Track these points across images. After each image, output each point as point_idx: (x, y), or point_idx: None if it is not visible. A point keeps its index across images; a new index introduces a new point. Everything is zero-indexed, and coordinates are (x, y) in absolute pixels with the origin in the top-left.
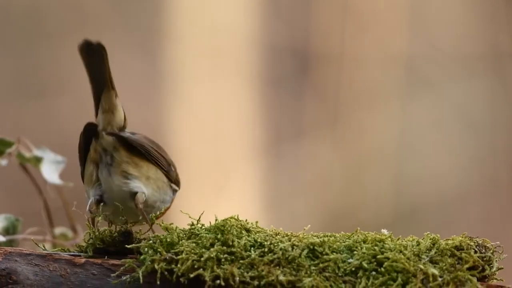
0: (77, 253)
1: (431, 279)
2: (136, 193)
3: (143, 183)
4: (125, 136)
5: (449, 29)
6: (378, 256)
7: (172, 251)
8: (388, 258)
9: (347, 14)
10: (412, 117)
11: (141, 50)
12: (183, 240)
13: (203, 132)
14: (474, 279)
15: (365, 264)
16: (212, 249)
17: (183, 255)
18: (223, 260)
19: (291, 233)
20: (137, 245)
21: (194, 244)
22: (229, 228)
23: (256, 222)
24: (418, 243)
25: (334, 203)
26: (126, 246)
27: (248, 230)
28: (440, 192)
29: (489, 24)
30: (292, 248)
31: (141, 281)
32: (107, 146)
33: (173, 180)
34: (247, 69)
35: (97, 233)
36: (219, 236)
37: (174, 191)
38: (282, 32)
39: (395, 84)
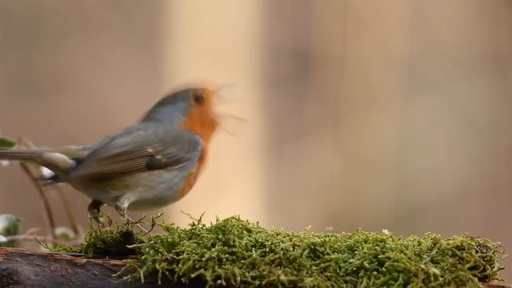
0: (78, 253)
1: (432, 278)
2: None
3: (124, 191)
4: (73, 176)
5: (449, 30)
6: (379, 256)
7: (173, 251)
8: (389, 258)
9: (348, 15)
10: (413, 118)
11: (141, 50)
12: (184, 240)
13: None
14: (475, 279)
15: (366, 264)
16: (213, 249)
17: (184, 255)
18: (224, 260)
19: (292, 233)
20: (138, 245)
21: (195, 244)
22: (230, 228)
23: (257, 222)
24: (419, 243)
25: (335, 203)
26: (127, 246)
27: (249, 230)
28: (441, 192)
29: (489, 24)
30: (293, 248)
31: (142, 281)
32: (76, 186)
33: (163, 163)
34: (248, 70)
35: (98, 233)
36: (220, 236)
37: (180, 167)
38: (283, 33)
39: (396, 85)
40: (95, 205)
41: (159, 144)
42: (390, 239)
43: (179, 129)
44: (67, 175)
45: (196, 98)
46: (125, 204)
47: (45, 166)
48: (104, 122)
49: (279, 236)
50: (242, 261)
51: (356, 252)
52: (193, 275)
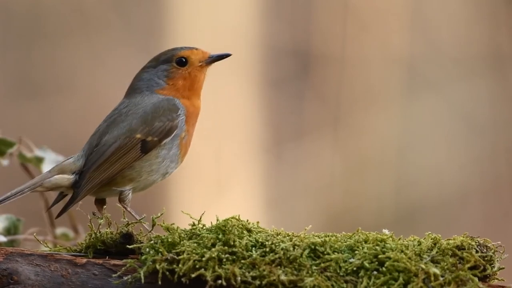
0: (78, 254)
1: (432, 278)
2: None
3: (130, 184)
4: (80, 196)
5: (449, 30)
6: (380, 256)
7: (174, 251)
8: (389, 258)
9: (348, 15)
10: (413, 118)
11: (141, 50)
12: (184, 240)
13: (204, 133)
14: (476, 279)
15: (366, 264)
16: (213, 249)
17: (185, 255)
18: (224, 260)
19: (292, 233)
20: (139, 245)
21: (195, 244)
22: (230, 228)
23: (257, 222)
24: (420, 243)
25: (335, 203)
26: (128, 246)
27: (249, 230)
28: (441, 192)
29: (489, 24)
30: (294, 248)
31: (143, 281)
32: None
33: (156, 141)
34: (248, 70)
35: (98, 235)
36: (220, 236)
37: (171, 139)
38: (283, 33)
39: (396, 85)
40: (101, 200)
41: (144, 125)
42: (390, 239)
43: (157, 99)
44: (73, 198)
45: (179, 60)
46: (129, 196)
47: (50, 190)
48: None
49: (279, 236)
50: (242, 261)
51: (356, 252)
52: (193, 275)
